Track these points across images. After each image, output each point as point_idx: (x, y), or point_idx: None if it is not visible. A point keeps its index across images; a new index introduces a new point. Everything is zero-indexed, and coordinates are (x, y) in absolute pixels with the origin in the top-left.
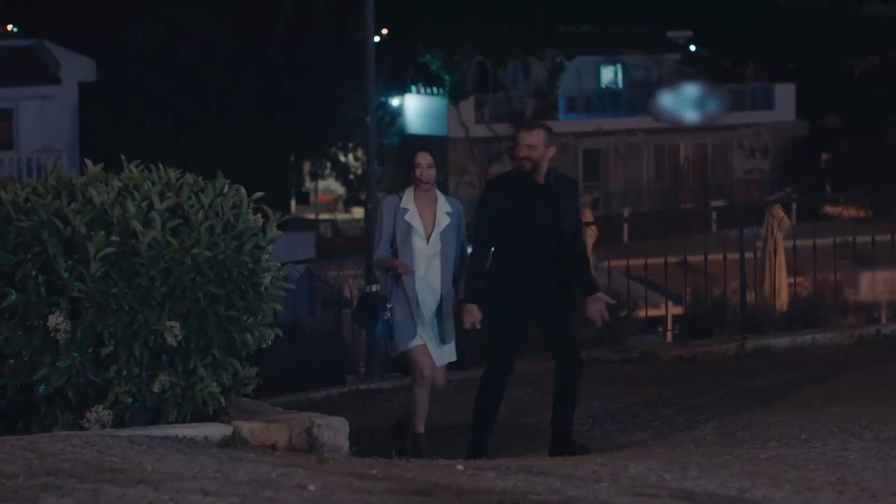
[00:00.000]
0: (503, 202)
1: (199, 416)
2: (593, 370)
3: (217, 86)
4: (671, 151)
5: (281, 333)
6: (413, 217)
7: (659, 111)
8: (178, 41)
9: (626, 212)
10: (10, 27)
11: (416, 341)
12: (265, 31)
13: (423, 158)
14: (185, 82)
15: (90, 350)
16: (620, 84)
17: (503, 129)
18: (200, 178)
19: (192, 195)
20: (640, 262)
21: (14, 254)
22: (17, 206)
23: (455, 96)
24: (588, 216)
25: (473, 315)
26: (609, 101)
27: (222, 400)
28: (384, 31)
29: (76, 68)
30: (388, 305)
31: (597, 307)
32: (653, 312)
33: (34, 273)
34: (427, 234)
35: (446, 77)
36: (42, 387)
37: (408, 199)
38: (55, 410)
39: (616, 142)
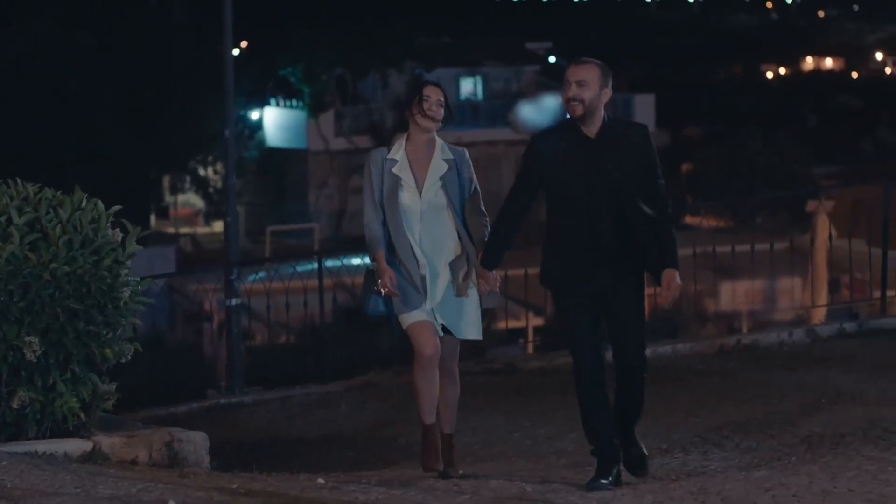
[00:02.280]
0: (545, 160)
1: (60, 432)
2: None
3: (76, 98)
4: None
5: (140, 348)
6: (403, 169)
7: (518, 122)
8: (37, 52)
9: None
10: None
11: (415, 315)
12: (124, 41)
13: (434, 92)
14: (44, 94)
15: None
16: (480, 96)
17: (363, 141)
18: (59, 192)
19: (51, 210)
20: (500, 273)
21: None
22: None
23: (315, 109)
24: None
25: (489, 281)
26: (469, 112)
27: (82, 415)
28: (244, 43)
29: None
30: (379, 282)
31: (670, 287)
32: (513, 324)
33: None
34: (419, 185)
35: (306, 90)
36: None
37: (397, 149)
38: None
39: (476, 153)
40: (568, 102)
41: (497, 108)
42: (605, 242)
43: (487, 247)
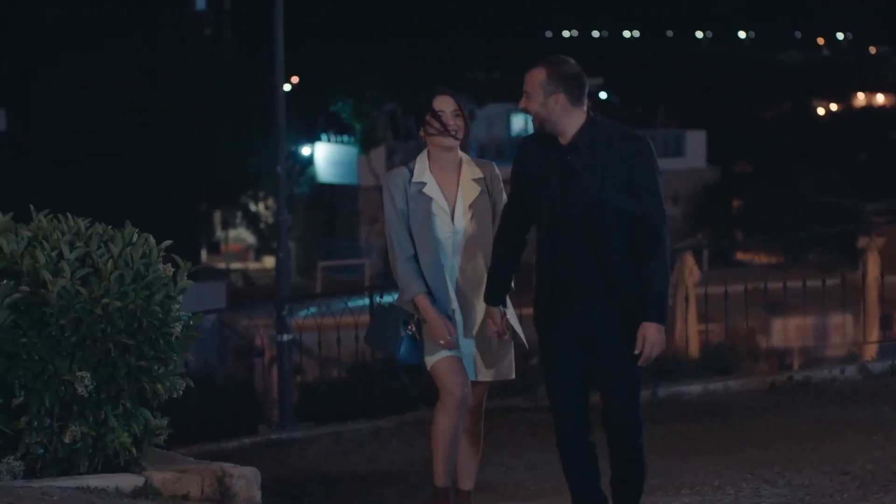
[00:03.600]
0: (523, 169)
1: (111, 467)
2: (504, 418)
3: (128, 134)
4: None
5: (192, 383)
6: (433, 189)
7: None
8: (88, 89)
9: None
10: None
11: (442, 352)
12: (175, 77)
13: (446, 103)
14: (96, 131)
15: (0, 400)
16: (531, 131)
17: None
18: (110, 227)
19: (102, 245)
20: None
21: None
22: None
23: (366, 144)
24: None
25: (495, 321)
26: None
27: (134, 450)
28: (294, 78)
29: None
30: (415, 318)
31: (643, 343)
32: None
33: None
34: (451, 212)
35: (357, 125)
36: None
37: (422, 169)
38: None
39: None
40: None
41: None
42: (579, 271)
43: (488, 279)
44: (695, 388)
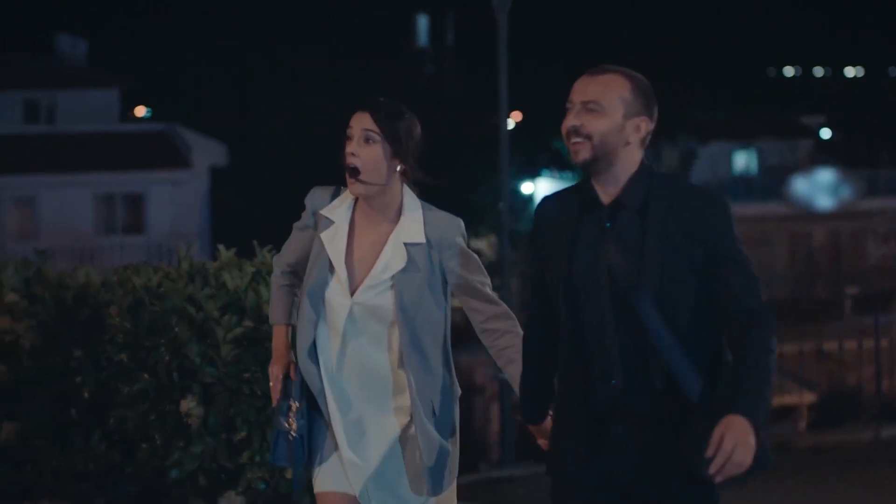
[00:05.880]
0: (542, 237)
1: None
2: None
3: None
4: (804, 238)
5: None
6: (336, 243)
7: (793, 197)
8: (310, 124)
9: None
10: (141, 110)
11: (328, 482)
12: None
13: (358, 122)
14: (318, 166)
15: (222, 435)
16: (754, 170)
17: None
18: None
19: None
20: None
21: (146, 338)
22: (150, 291)
23: None
24: None
25: (541, 439)
26: (742, 187)
27: None
28: (516, 114)
29: (207, 152)
30: (293, 406)
31: (723, 441)
32: (788, 400)
33: (166, 357)
34: (353, 279)
35: None
36: (174, 472)
37: (342, 203)
38: (187, 495)
39: (749, 228)
40: (568, 138)
41: (771, 183)
42: (613, 393)
43: (521, 391)
44: None
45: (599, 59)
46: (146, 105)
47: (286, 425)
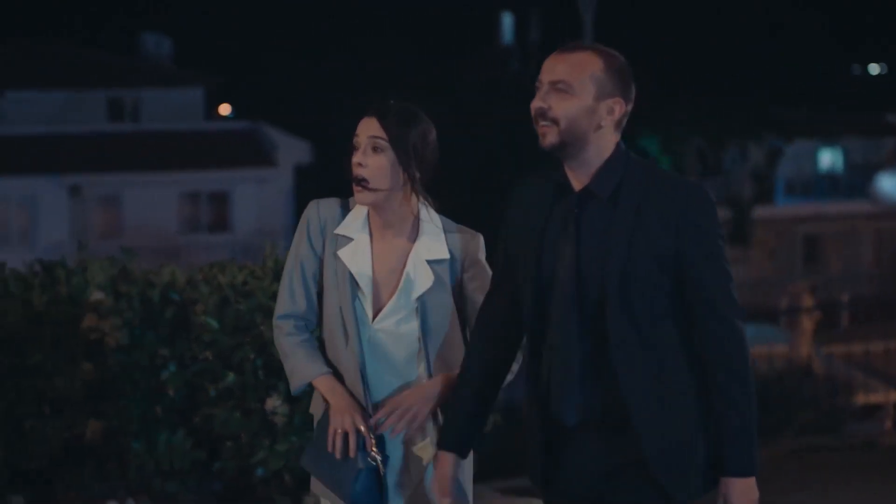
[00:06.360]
0: (510, 228)
1: None
2: (809, 458)
3: (475, 180)
4: (890, 235)
5: (500, 420)
6: (356, 260)
7: (878, 195)
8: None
9: (845, 297)
10: (226, 108)
11: None
12: (481, 116)
13: (364, 128)
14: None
15: (308, 434)
16: (839, 168)
17: (721, 214)
18: None
19: None
20: (860, 348)
21: (232, 336)
22: (236, 289)
23: None
24: (808, 301)
25: (440, 475)
26: (828, 185)
27: None
28: None
29: (292, 150)
30: (371, 439)
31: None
32: (873, 399)
33: (252, 356)
34: (376, 302)
35: (665, 160)
36: (259, 470)
37: (357, 217)
38: (272, 494)
39: (835, 226)
40: (535, 121)
41: (856, 181)
42: (585, 399)
43: (448, 409)
44: None
45: (685, 60)
46: (230, 103)
47: (370, 460)
